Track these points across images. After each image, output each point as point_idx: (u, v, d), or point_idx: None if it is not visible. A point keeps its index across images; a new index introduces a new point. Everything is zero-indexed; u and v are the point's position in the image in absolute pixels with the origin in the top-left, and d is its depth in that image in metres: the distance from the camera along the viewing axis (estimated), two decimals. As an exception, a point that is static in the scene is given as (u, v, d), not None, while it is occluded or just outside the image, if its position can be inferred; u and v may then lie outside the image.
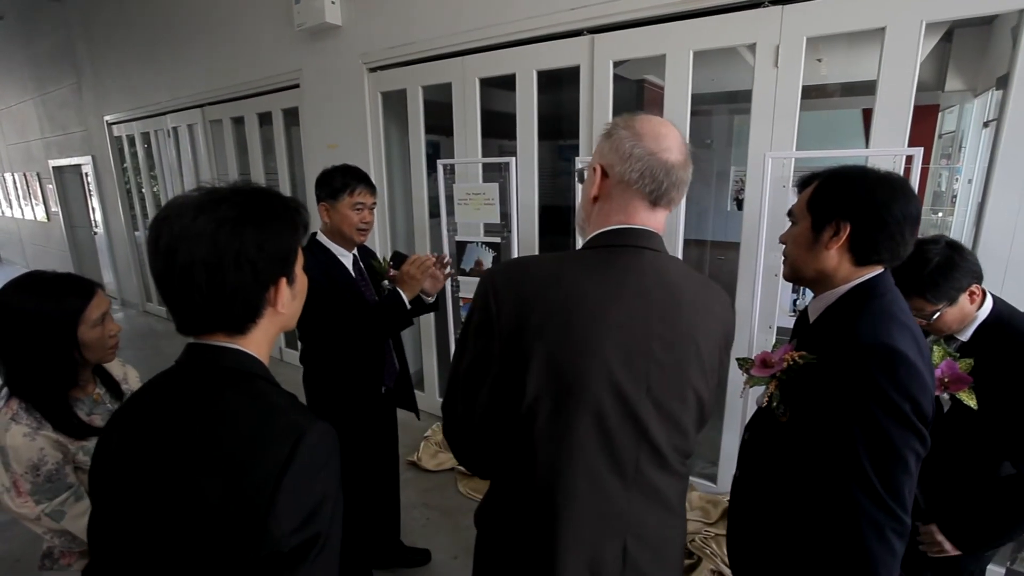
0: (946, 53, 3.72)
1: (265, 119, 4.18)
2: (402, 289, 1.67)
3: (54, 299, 1.08)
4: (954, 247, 1.21)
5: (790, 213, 1.06)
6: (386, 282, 1.88)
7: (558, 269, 0.83)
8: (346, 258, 1.78)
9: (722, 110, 5.82)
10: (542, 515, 0.84)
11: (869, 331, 0.87)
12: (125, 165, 6.04)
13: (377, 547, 2.11)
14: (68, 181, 7.38)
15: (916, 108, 1.85)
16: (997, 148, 1.78)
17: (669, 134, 0.84)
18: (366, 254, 1.92)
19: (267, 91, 4.00)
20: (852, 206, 0.93)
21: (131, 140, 5.78)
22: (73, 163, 6.82)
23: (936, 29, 1.90)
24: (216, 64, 4.32)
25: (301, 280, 0.75)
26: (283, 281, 0.70)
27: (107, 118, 5.88)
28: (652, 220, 0.86)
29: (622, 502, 0.84)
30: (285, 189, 4.19)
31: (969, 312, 1.24)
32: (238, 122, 4.41)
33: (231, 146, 4.54)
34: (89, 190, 6.78)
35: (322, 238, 1.76)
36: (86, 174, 6.69)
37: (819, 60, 3.88)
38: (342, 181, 1.68)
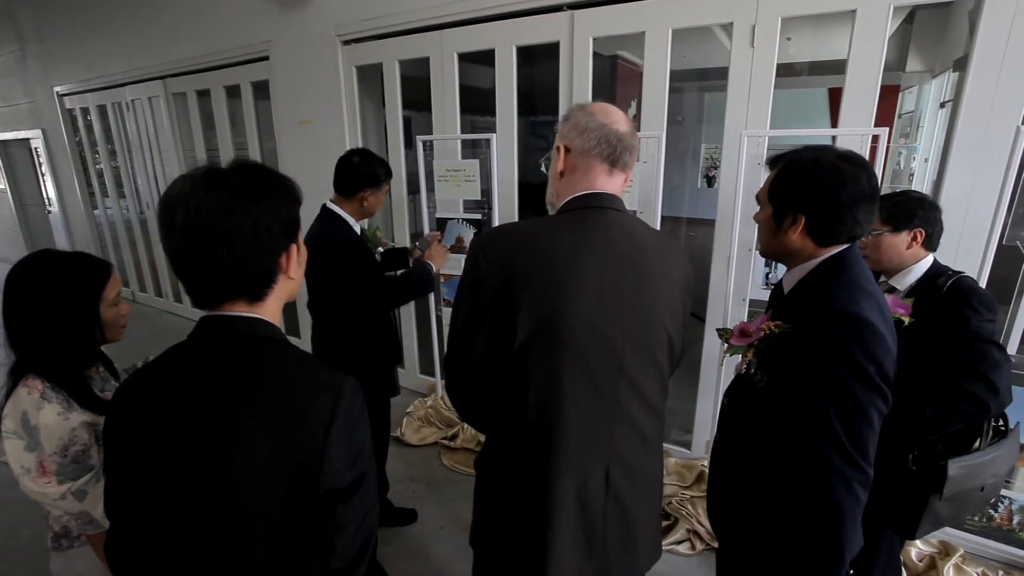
0: (907, 35, 3.81)
1: (233, 92, 4.02)
2: (432, 262, 1.89)
3: (75, 275, 1.07)
4: (929, 199, 1.44)
5: (757, 197, 1.12)
6: (380, 249, 2.10)
7: (536, 230, 0.95)
8: (355, 228, 1.89)
9: (692, 87, 5.85)
10: (537, 448, 0.94)
11: (838, 301, 0.94)
12: (79, 139, 5.73)
13: None
14: (15, 156, 6.97)
15: (880, 88, 1.94)
16: (954, 128, 1.88)
17: (615, 111, 0.99)
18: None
19: (235, 63, 3.84)
20: (804, 199, 1.00)
21: (85, 113, 5.48)
22: (20, 137, 6.43)
23: (901, 10, 1.98)
24: (179, 33, 4.10)
25: (303, 249, 0.79)
26: (293, 247, 0.74)
27: (57, 89, 5.54)
28: (611, 184, 0.99)
29: (605, 431, 0.95)
30: (256, 165, 4.08)
31: (904, 254, 1.42)
32: (203, 95, 4.23)
33: (196, 120, 4.36)
34: (40, 165, 6.41)
35: (336, 208, 1.84)
36: (36, 149, 6.32)
37: (788, 39, 3.96)
38: (384, 172, 1.87)
